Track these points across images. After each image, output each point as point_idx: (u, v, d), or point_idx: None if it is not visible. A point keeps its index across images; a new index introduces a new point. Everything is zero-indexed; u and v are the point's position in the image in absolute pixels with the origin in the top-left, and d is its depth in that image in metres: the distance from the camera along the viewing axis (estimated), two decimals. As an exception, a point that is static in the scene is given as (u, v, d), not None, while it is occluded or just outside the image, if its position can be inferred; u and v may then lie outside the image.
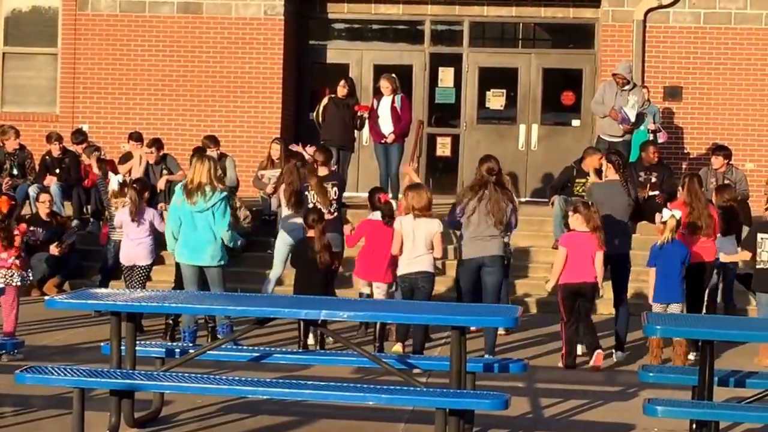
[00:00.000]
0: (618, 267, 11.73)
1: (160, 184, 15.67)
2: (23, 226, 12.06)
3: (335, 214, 12.79)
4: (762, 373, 8.94)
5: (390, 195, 15.00)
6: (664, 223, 11.58)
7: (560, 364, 11.07)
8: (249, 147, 18.73)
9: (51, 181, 16.23)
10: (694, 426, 8.29)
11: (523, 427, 9.05)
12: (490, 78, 19.76)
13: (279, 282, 13.60)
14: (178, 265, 12.00)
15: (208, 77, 19.04)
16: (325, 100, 16.44)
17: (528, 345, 12.39)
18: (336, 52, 19.90)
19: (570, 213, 11.30)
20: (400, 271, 11.02)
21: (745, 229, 12.82)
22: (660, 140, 17.07)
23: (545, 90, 19.61)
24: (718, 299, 13.42)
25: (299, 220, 12.59)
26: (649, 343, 11.50)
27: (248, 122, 19.00)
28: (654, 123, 16.93)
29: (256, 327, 9.16)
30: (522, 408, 9.46)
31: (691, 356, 11.49)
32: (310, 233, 11.65)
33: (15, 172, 16.62)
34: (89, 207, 16.24)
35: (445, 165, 19.83)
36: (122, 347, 8.39)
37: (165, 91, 19.11)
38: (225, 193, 11.28)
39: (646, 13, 18.54)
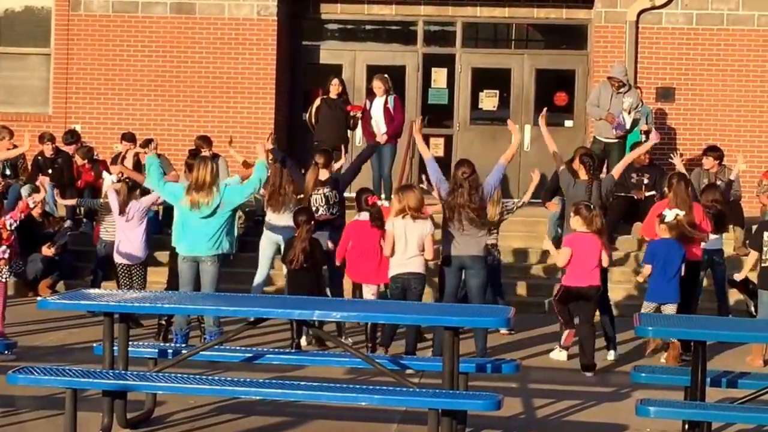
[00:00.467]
0: None
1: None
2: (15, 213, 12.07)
3: (336, 215, 12.76)
4: (754, 374, 8.97)
5: (383, 196, 15.01)
6: (665, 222, 11.57)
7: (582, 372, 11.02)
8: (242, 147, 18.68)
9: (43, 182, 16.20)
10: (686, 426, 8.31)
11: (516, 427, 9.06)
12: (483, 79, 19.77)
13: (269, 282, 13.61)
14: (171, 268, 12.04)
15: (201, 78, 19.03)
16: (317, 101, 16.44)
17: (521, 346, 12.40)
18: (329, 52, 19.90)
19: (571, 214, 11.30)
20: (391, 272, 11.01)
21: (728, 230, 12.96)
22: (652, 141, 17.06)
23: (538, 91, 19.62)
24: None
25: (282, 221, 12.58)
26: (646, 342, 11.49)
27: (241, 123, 18.99)
28: (646, 124, 16.95)
29: (249, 327, 9.16)
30: (515, 408, 9.47)
31: (664, 359, 11.53)
32: (297, 232, 11.67)
33: (8, 172, 16.60)
34: (82, 207, 16.23)
35: (438, 166, 19.78)
36: (115, 348, 8.39)
37: (158, 92, 19.09)
38: (224, 184, 11.41)
39: (638, 14, 18.56)
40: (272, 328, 12.36)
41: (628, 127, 16.24)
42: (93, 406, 8.61)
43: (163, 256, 14.14)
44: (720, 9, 18.48)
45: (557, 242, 12.44)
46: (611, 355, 11.67)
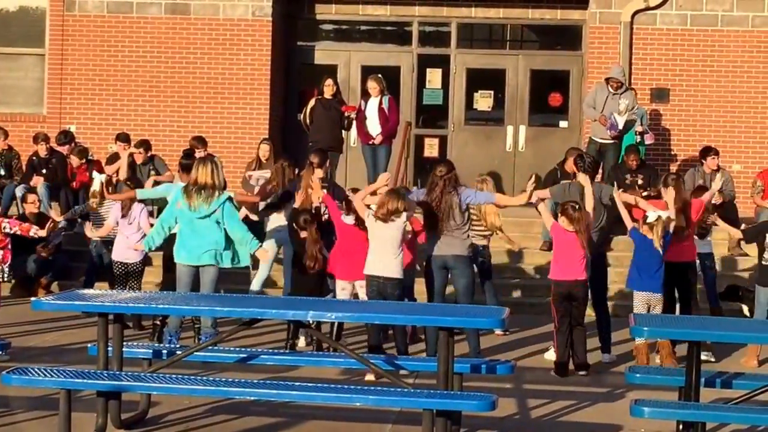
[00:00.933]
0: (593, 268, 11.70)
1: (148, 185, 15.65)
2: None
3: (328, 216, 12.73)
4: (748, 375, 8.98)
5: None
6: (647, 222, 11.56)
7: (552, 373, 11.03)
8: (236, 148, 18.72)
9: (38, 182, 16.21)
10: (680, 427, 8.32)
11: (510, 428, 9.06)
12: (477, 79, 19.78)
13: (268, 283, 13.60)
14: (166, 268, 12.01)
15: (196, 78, 19.02)
16: (312, 102, 16.43)
17: (516, 346, 12.40)
18: (324, 53, 19.90)
19: (559, 214, 11.31)
20: (366, 270, 10.75)
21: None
22: (647, 142, 17.13)
23: (533, 91, 19.63)
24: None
25: (284, 221, 12.57)
26: (635, 352, 11.47)
27: (236, 123, 18.99)
28: (641, 125, 16.99)
29: (244, 328, 9.16)
30: (509, 409, 9.47)
31: (659, 358, 11.53)
32: (303, 234, 11.59)
33: (2, 172, 16.59)
34: (77, 216, 16.20)
35: (432, 166, 19.69)
36: (109, 348, 8.38)
37: (152, 92, 19.08)
38: (228, 194, 11.27)
39: (633, 15, 18.58)
40: (267, 329, 12.36)
41: (620, 127, 16.26)
42: (87, 406, 8.60)
43: (156, 256, 14.11)
44: (714, 10, 18.50)
45: (550, 243, 12.46)
46: (605, 358, 11.68)
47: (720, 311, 13.58)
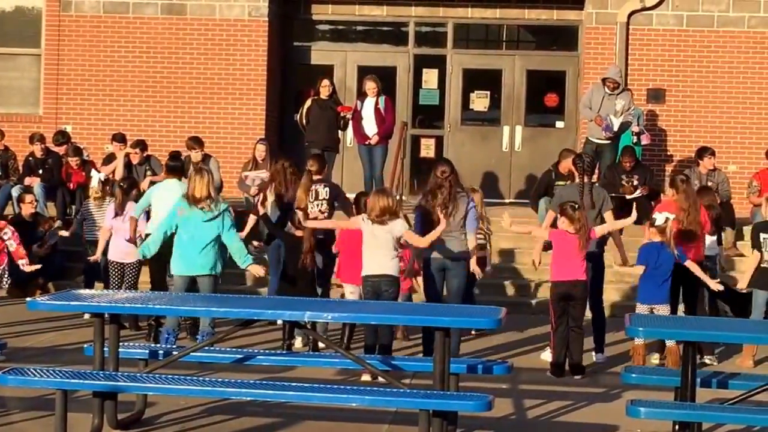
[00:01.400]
0: (591, 268, 11.69)
1: (144, 185, 15.66)
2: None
3: (325, 214, 12.74)
4: (744, 375, 8.99)
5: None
6: (655, 225, 11.56)
7: (549, 374, 11.03)
8: (233, 148, 18.71)
9: (33, 182, 16.20)
10: (677, 427, 8.32)
11: (506, 428, 9.07)
12: (474, 79, 19.79)
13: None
14: (156, 266, 12.07)
15: (192, 78, 19.02)
16: (308, 102, 16.43)
17: (512, 346, 12.41)
18: (320, 53, 19.90)
19: (558, 215, 11.31)
20: (363, 272, 10.72)
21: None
22: (643, 142, 17.15)
23: (529, 92, 19.64)
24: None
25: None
26: (632, 352, 11.48)
27: (232, 123, 18.98)
28: (638, 125, 17.00)
29: (241, 328, 9.15)
30: (505, 409, 9.47)
31: (654, 358, 11.54)
32: (299, 233, 11.59)
33: (-1, 172, 16.61)
34: (73, 207, 16.21)
35: (429, 166, 19.74)
36: (105, 349, 8.38)
37: (149, 93, 19.07)
38: (226, 205, 11.37)
39: (629, 16, 18.59)
40: (264, 329, 12.36)
41: (615, 129, 16.29)
42: (83, 407, 8.59)
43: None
44: (710, 11, 18.51)
45: (548, 244, 12.43)
46: (598, 358, 11.67)
47: (716, 312, 13.56)
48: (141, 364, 8.82)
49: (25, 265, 11.85)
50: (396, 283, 10.74)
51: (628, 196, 15.83)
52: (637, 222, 15.68)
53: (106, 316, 8.37)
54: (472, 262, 11.25)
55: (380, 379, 9.22)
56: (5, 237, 11.72)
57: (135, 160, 16.17)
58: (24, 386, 8.35)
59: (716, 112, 18.58)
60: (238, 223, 12.29)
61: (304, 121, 16.39)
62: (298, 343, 11.90)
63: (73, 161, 16.24)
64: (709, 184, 15.72)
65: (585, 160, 11.98)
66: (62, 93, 19.20)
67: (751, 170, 17.45)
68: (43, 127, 18.43)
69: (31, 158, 16.56)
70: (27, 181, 16.27)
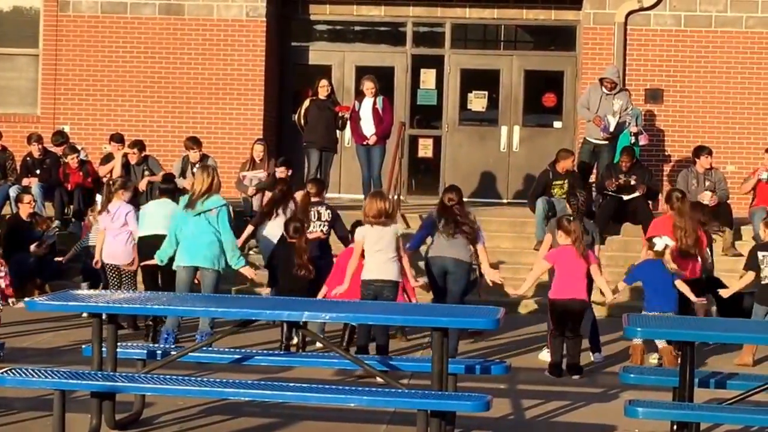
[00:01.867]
0: None
1: (142, 185, 15.67)
2: None
3: (326, 234, 12.77)
4: (742, 375, 8.99)
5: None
6: (654, 250, 11.53)
7: (546, 374, 11.02)
8: (231, 148, 18.70)
9: (31, 182, 16.19)
10: (674, 427, 8.32)
11: (504, 428, 9.07)
12: (471, 80, 19.78)
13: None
14: (151, 275, 12.13)
15: (190, 78, 19.01)
16: (306, 102, 16.43)
17: (510, 347, 12.41)
18: (318, 53, 19.90)
19: (556, 230, 11.29)
20: (364, 276, 10.73)
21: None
22: (641, 142, 17.15)
23: (527, 92, 19.63)
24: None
25: (278, 231, 12.57)
26: (632, 350, 11.48)
27: (230, 123, 18.97)
28: (636, 125, 17.00)
29: (238, 328, 9.15)
30: (504, 409, 9.47)
31: (653, 358, 11.53)
32: (296, 242, 11.65)
33: (-5, 173, 16.60)
34: (72, 207, 16.21)
35: (426, 166, 19.85)
36: (103, 349, 8.38)
37: (147, 93, 19.06)
38: (224, 202, 11.52)
39: (627, 16, 18.59)
40: (262, 330, 12.36)
41: (611, 130, 16.28)
42: (81, 407, 8.59)
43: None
44: (708, 11, 18.51)
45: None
46: (596, 357, 11.68)
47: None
48: (139, 365, 8.82)
49: (12, 304, 11.81)
50: (396, 288, 10.77)
51: (625, 197, 15.85)
52: (636, 222, 15.79)
53: (104, 316, 8.37)
54: (487, 272, 11.33)
55: (378, 379, 9.21)
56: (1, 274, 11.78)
57: (133, 160, 16.17)
58: (22, 386, 8.34)
59: (714, 112, 18.58)
60: (236, 228, 12.35)
61: (302, 121, 16.40)
62: (296, 341, 11.90)
63: (71, 159, 16.24)
64: (707, 183, 15.75)
65: (579, 199, 12.04)
66: (60, 93, 19.18)
67: (749, 170, 17.44)
68: (40, 127, 18.42)
69: (28, 158, 16.55)
70: (25, 181, 16.26)
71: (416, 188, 19.52)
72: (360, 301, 10.77)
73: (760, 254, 11.84)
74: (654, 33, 18.63)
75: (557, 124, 19.64)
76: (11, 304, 11.51)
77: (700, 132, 18.52)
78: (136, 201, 14.33)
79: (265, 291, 12.09)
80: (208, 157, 15.93)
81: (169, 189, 12.99)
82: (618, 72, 16.89)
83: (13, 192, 16.04)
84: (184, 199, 11.72)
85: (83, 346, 8.92)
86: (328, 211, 12.75)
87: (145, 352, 8.96)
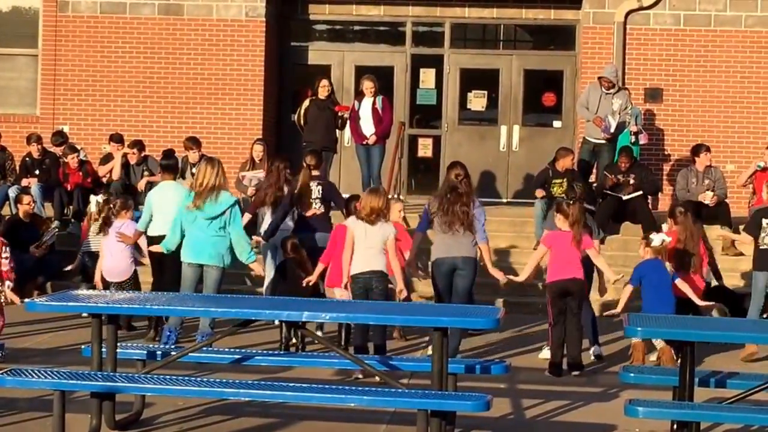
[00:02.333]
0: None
1: (141, 185, 15.67)
2: None
3: (322, 210, 12.77)
4: (742, 374, 8.98)
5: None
6: (651, 246, 11.55)
7: (546, 373, 11.03)
8: (230, 148, 18.70)
9: (30, 183, 16.19)
10: (675, 426, 8.32)
11: (504, 428, 9.07)
12: (471, 79, 19.78)
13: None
14: (157, 270, 12.05)
15: (189, 79, 19.01)
16: (306, 102, 16.43)
17: (510, 346, 12.41)
18: (317, 53, 19.90)
19: (554, 213, 11.33)
20: (352, 271, 10.72)
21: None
22: (641, 142, 17.15)
23: (526, 91, 19.63)
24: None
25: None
26: (632, 349, 11.49)
27: (230, 123, 18.97)
28: (636, 125, 17.00)
29: (238, 328, 9.15)
30: (504, 409, 9.47)
31: (653, 357, 11.54)
32: (292, 256, 11.69)
33: (-5, 173, 16.60)
34: (71, 208, 16.21)
35: (426, 166, 19.85)
36: (103, 349, 8.37)
37: (146, 93, 19.06)
38: (236, 198, 11.45)
39: (626, 15, 18.59)
40: (261, 329, 12.36)
41: (612, 130, 16.28)
42: (81, 407, 8.59)
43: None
44: (707, 10, 18.51)
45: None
46: (593, 351, 11.67)
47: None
48: (139, 365, 8.81)
49: (8, 289, 11.53)
50: (385, 279, 10.74)
51: (624, 196, 15.85)
52: (635, 221, 15.80)
53: (104, 316, 8.37)
54: (491, 268, 11.28)
55: (377, 378, 9.21)
56: (3, 255, 11.60)
57: (132, 160, 16.18)
58: (22, 387, 8.34)
59: (714, 111, 18.58)
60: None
61: (301, 121, 16.39)
62: (294, 341, 11.91)
63: (71, 159, 16.24)
64: (706, 181, 15.75)
65: (576, 191, 12.08)
66: (59, 93, 19.18)
67: (747, 169, 17.43)
68: (40, 127, 18.42)
69: (28, 159, 16.55)
70: (24, 181, 16.26)
71: (416, 188, 19.51)
72: (360, 301, 10.77)
73: (764, 221, 11.83)
74: (653, 32, 18.63)
75: (557, 124, 19.64)
76: (7, 288, 11.33)
77: (700, 131, 18.52)
78: (136, 201, 14.34)
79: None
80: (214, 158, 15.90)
81: (171, 165, 12.72)
82: (616, 71, 16.88)
83: (12, 192, 16.03)
84: (191, 197, 11.43)
85: (83, 347, 8.92)
86: (319, 187, 12.73)
87: (145, 352, 8.96)
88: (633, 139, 16.94)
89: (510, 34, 20.23)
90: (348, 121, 16.43)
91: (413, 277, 12.38)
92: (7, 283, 11.17)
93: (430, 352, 10.05)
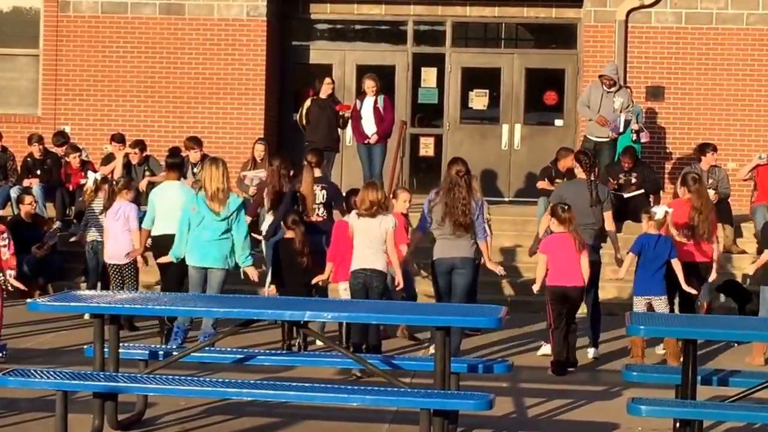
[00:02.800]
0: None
1: (142, 185, 15.67)
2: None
3: (324, 217, 12.77)
4: (745, 372, 8.98)
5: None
6: (654, 219, 11.59)
7: (549, 372, 11.02)
8: (232, 148, 18.69)
9: (32, 183, 16.19)
10: (677, 425, 8.31)
11: (507, 427, 9.06)
12: (472, 78, 19.77)
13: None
14: (163, 266, 12.03)
15: (191, 78, 19.01)
16: (307, 102, 16.43)
17: (512, 345, 12.40)
18: (319, 52, 19.90)
19: (549, 216, 11.31)
20: (352, 267, 10.75)
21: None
22: (642, 140, 17.15)
23: (528, 90, 19.62)
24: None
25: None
26: (631, 345, 11.50)
27: (231, 123, 18.97)
28: (637, 123, 16.99)
29: (240, 328, 9.15)
30: (506, 408, 9.47)
31: (660, 350, 11.53)
32: (289, 234, 11.65)
33: (-3, 174, 16.59)
34: (73, 208, 16.21)
35: (428, 165, 19.84)
36: (105, 349, 8.37)
37: (147, 93, 19.06)
38: (242, 200, 11.45)
39: (628, 13, 18.58)
40: (263, 329, 12.36)
41: (621, 129, 16.29)
42: (84, 408, 8.59)
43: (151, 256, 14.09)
44: (709, 8, 18.50)
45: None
46: (591, 353, 11.67)
47: (710, 309, 13.56)
48: (141, 365, 8.81)
49: (11, 277, 11.49)
50: (384, 278, 10.74)
51: (626, 195, 15.85)
52: (637, 219, 15.79)
53: (106, 316, 8.36)
54: (489, 262, 11.23)
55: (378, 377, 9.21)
56: (2, 243, 11.56)
57: (134, 160, 16.17)
58: (25, 387, 8.34)
59: (715, 109, 18.57)
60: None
61: (303, 121, 16.39)
62: (297, 340, 11.90)
63: (73, 158, 16.24)
64: (710, 181, 15.73)
65: (589, 156, 12.01)
66: (61, 93, 19.18)
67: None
68: (41, 127, 18.42)
69: (29, 159, 16.55)
70: (26, 182, 16.26)
71: (417, 187, 19.49)
72: (361, 300, 10.78)
73: None
74: (655, 30, 18.62)
75: (558, 123, 19.63)
76: (9, 277, 11.27)
77: (701, 129, 18.51)
78: (138, 201, 14.33)
79: (271, 291, 12.05)
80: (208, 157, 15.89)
81: (176, 164, 12.70)
82: (616, 69, 16.86)
83: (14, 193, 16.03)
84: (198, 198, 11.43)
85: (85, 347, 8.91)
86: (323, 191, 12.72)
87: (147, 352, 8.96)
88: (634, 137, 16.93)
89: (511, 32, 20.22)
90: (349, 121, 16.42)
91: (415, 276, 12.37)
92: (9, 271, 11.14)
93: (431, 351, 10.08)
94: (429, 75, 19.84)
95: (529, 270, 15.46)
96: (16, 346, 11.30)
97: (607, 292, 14.06)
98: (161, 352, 8.98)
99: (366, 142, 16.33)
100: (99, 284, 13.37)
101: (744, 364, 11.21)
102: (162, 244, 11.96)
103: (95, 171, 16.21)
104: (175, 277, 11.84)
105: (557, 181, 15.56)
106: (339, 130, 16.66)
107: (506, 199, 19.25)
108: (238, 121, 18.95)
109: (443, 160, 19.55)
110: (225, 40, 18.95)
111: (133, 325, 12.65)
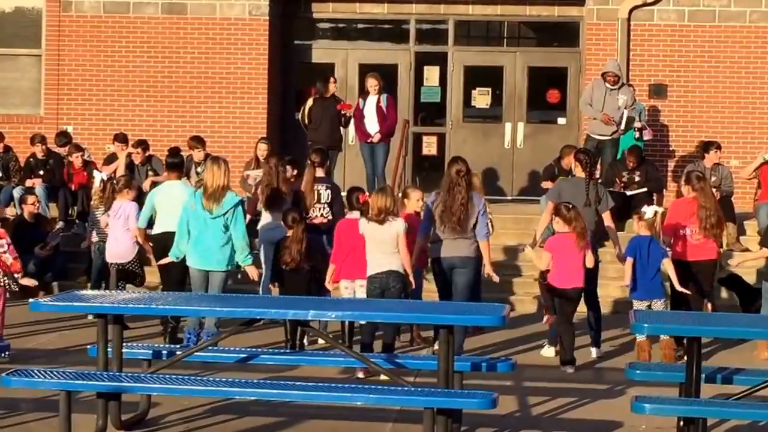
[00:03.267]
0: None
1: (145, 185, 15.65)
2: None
3: (329, 218, 12.75)
4: (749, 370, 8.97)
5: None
6: (644, 219, 11.58)
7: (561, 368, 11.00)
8: (234, 147, 18.69)
9: (35, 183, 16.19)
10: (681, 423, 8.31)
11: (511, 425, 9.06)
12: (475, 76, 19.76)
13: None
14: (165, 267, 12.02)
15: (193, 78, 19.00)
16: (310, 101, 16.42)
17: (515, 343, 12.40)
18: (321, 51, 19.89)
19: (553, 216, 11.29)
20: (368, 272, 10.74)
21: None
22: (645, 138, 17.13)
23: (531, 88, 19.61)
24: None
25: (278, 220, 12.57)
26: (637, 345, 11.49)
27: (234, 123, 18.97)
28: (640, 121, 16.98)
29: (243, 327, 9.14)
30: (510, 407, 9.46)
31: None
32: (289, 232, 11.66)
33: (0, 174, 16.58)
34: (75, 208, 16.21)
35: (431, 164, 19.81)
36: (109, 349, 8.37)
37: (150, 92, 19.06)
38: (240, 198, 11.42)
39: (630, 11, 18.56)
40: (267, 328, 12.35)
41: (623, 127, 16.27)
42: (87, 407, 8.59)
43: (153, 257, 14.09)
44: (712, 5, 18.48)
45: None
46: (594, 353, 11.67)
47: (714, 307, 13.54)
48: (145, 365, 8.81)
49: (19, 279, 11.48)
50: (402, 279, 10.72)
51: (628, 192, 15.84)
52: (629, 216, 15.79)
53: (109, 316, 8.36)
54: (487, 266, 11.18)
55: (382, 376, 9.20)
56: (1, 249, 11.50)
57: (137, 160, 16.17)
58: (28, 387, 8.34)
59: (718, 107, 18.56)
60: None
61: (306, 120, 16.39)
62: (305, 340, 11.90)
63: (76, 158, 16.24)
64: (713, 179, 15.72)
65: (589, 155, 11.99)
66: (63, 93, 19.18)
67: (753, 165, 17.40)
68: (44, 127, 18.42)
69: (32, 159, 16.55)
70: (28, 182, 16.26)
71: (420, 186, 19.45)
72: (365, 299, 10.77)
73: None
74: (658, 28, 18.60)
75: (561, 121, 19.61)
76: (17, 279, 11.25)
77: (704, 127, 18.50)
78: (140, 201, 14.33)
79: (274, 291, 12.05)
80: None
81: (177, 163, 12.68)
82: (619, 65, 16.83)
83: (17, 193, 16.03)
84: (197, 196, 11.41)
85: (89, 347, 8.91)
86: (329, 191, 12.68)
87: (151, 352, 8.96)
88: (637, 134, 16.92)
89: (514, 31, 20.21)
90: (351, 119, 16.42)
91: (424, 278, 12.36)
92: (16, 275, 11.14)
93: (436, 347, 10.06)
94: (431, 74, 19.82)
95: (533, 269, 15.46)
96: (20, 346, 11.31)
97: (608, 290, 14.05)
98: (165, 352, 8.98)
99: (369, 141, 16.33)
100: (103, 284, 13.38)
101: (748, 361, 11.21)
102: (164, 241, 11.95)
103: (99, 171, 16.25)
104: (176, 277, 11.84)
105: (560, 179, 15.54)
106: (341, 129, 16.65)
107: (509, 198, 19.24)
108: (240, 121, 18.95)
109: (446, 158, 19.52)
110: (227, 39, 18.95)
111: (124, 324, 12.59)
